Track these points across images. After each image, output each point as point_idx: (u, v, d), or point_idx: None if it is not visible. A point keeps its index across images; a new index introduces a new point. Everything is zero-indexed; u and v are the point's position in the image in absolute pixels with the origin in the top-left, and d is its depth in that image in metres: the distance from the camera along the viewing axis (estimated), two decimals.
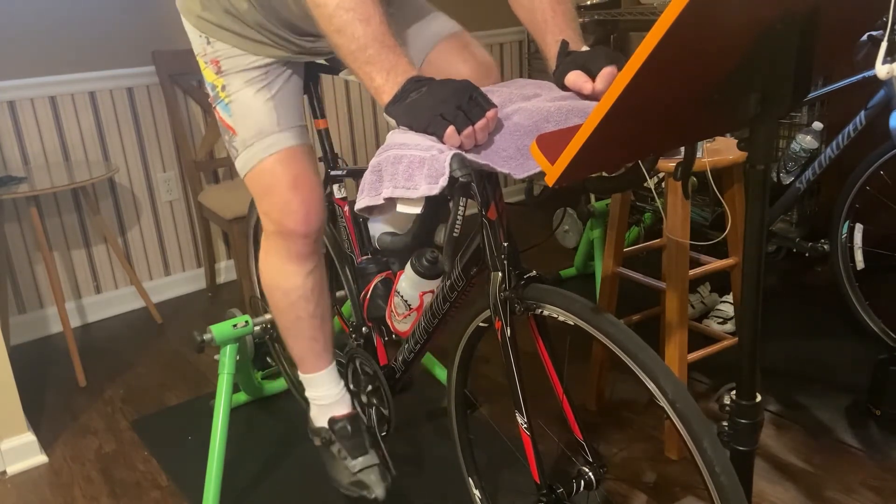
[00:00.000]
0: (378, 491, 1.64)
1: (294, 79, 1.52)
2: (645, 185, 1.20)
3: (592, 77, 1.15)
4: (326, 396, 1.70)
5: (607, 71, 1.14)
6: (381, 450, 1.71)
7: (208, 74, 1.48)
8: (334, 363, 1.71)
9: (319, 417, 1.72)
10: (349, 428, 1.68)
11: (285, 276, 1.56)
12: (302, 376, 1.70)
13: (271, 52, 1.45)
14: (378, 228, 1.57)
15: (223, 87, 1.47)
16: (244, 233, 2.22)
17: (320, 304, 1.61)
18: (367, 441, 1.70)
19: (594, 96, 1.15)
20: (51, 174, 2.57)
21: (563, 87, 1.20)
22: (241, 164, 1.50)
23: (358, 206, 1.08)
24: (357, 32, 1.12)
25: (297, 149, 1.49)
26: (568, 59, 1.19)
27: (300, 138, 1.50)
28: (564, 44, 1.22)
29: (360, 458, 1.67)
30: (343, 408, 1.71)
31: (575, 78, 1.16)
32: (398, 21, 1.51)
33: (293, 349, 1.67)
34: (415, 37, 1.50)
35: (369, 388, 1.69)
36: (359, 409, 1.75)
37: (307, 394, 1.72)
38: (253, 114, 1.46)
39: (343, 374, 1.74)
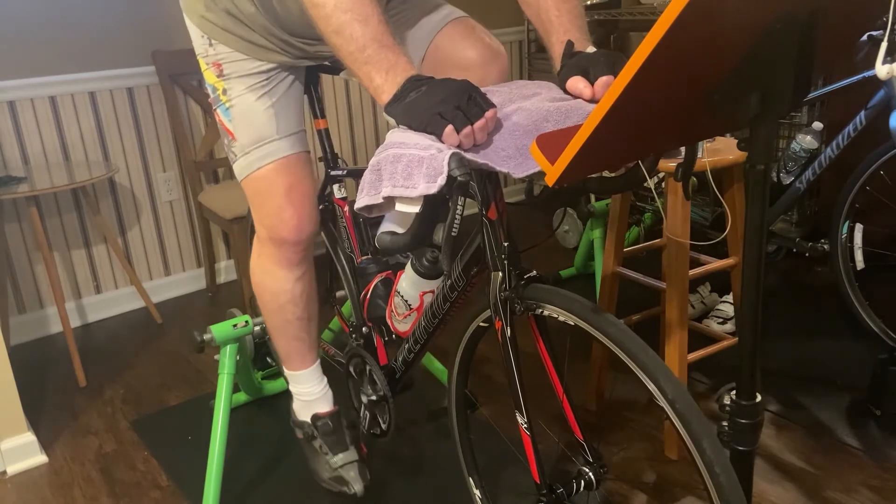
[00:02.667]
0: (357, 487, 1.71)
1: (296, 84, 1.53)
2: (645, 185, 1.20)
3: (593, 82, 1.16)
4: (310, 393, 1.76)
5: (604, 80, 1.14)
6: (362, 447, 1.78)
7: (209, 76, 1.48)
8: (318, 362, 1.76)
9: (302, 412, 1.78)
10: (331, 424, 1.74)
11: (275, 279, 1.61)
12: (287, 372, 1.76)
13: (274, 58, 1.45)
14: (387, 227, 1.59)
15: (224, 91, 1.47)
16: (244, 233, 2.22)
17: (308, 307, 1.66)
18: (349, 438, 1.76)
19: (593, 101, 1.15)
20: (51, 174, 2.57)
21: (566, 90, 1.20)
22: (238, 169, 1.52)
23: (357, 204, 1.08)
24: (355, 33, 1.12)
25: (294, 157, 1.51)
26: (571, 61, 1.19)
27: (299, 146, 1.52)
28: (570, 44, 1.22)
29: (341, 455, 1.74)
30: (325, 405, 1.76)
31: (575, 83, 1.17)
32: (405, 13, 1.51)
33: (279, 347, 1.73)
34: (421, 25, 1.51)
35: (369, 388, 1.69)
36: (355, 405, 1.76)
37: (291, 388, 1.78)
38: (253, 120, 1.46)
39: (343, 375, 1.75)
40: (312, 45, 1.45)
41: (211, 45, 1.45)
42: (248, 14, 1.40)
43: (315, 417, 1.75)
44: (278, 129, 1.48)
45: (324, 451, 1.75)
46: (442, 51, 1.50)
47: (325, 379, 1.77)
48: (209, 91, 1.50)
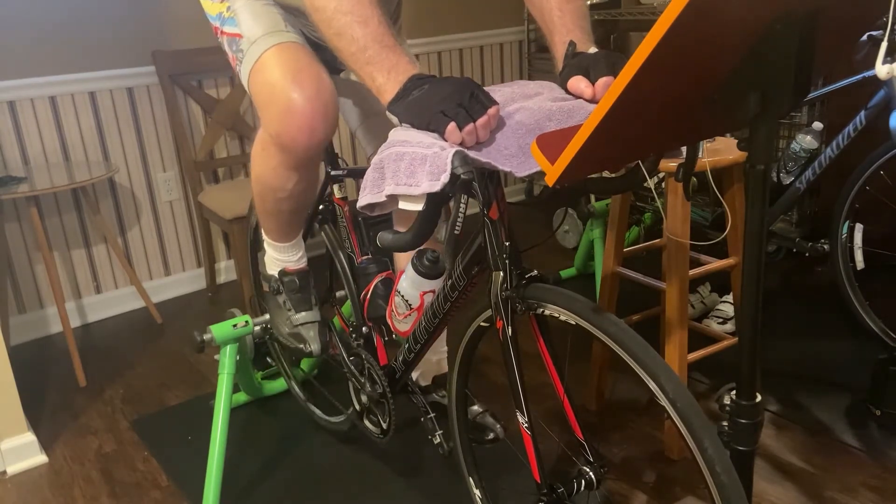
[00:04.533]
0: (314, 346, 1.71)
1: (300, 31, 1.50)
2: (645, 185, 1.20)
3: (594, 82, 1.16)
4: (284, 259, 1.74)
5: (604, 81, 1.14)
6: (318, 308, 1.77)
7: (213, 8, 1.48)
8: (300, 235, 1.74)
9: (272, 266, 1.77)
10: (297, 282, 1.73)
11: (277, 177, 1.51)
12: (266, 239, 1.74)
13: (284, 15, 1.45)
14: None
15: (228, 8, 1.46)
16: (244, 233, 2.22)
17: (303, 201, 1.61)
18: (313, 298, 1.75)
19: (594, 102, 1.16)
20: (51, 174, 2.57)
21: (567, 90, 1.20)
22: (245, 67, 1.42)
23: (360, 202, 1.08)
24: (356, 34, 1.12)
25: (302, 46, 1.42)
26: (573, 61, 1.20)
27: (305, 43, 1.45)
28: (572, 45, 1.22)
29: (303, 314, 1.73)
30: (297, 265, 1.75)
31: (576, 83, 1.17)
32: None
33: (264, 223, 1.70)
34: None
35: (369, 388, 1.69)
36: (355, 405, 1.76)
37: (267, 249, 1.76)
38: (259, 17, 1.43)
39: (345, 374, 1.75)
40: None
41: None
42: None
43: (283, 273, 1.74)
44: (286, 25, 1.44)
45: (287, 307, 1.74)
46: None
47: (303, 247, 1.76)
48: (213, 22, 1.49)
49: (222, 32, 1.48)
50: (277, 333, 1.78)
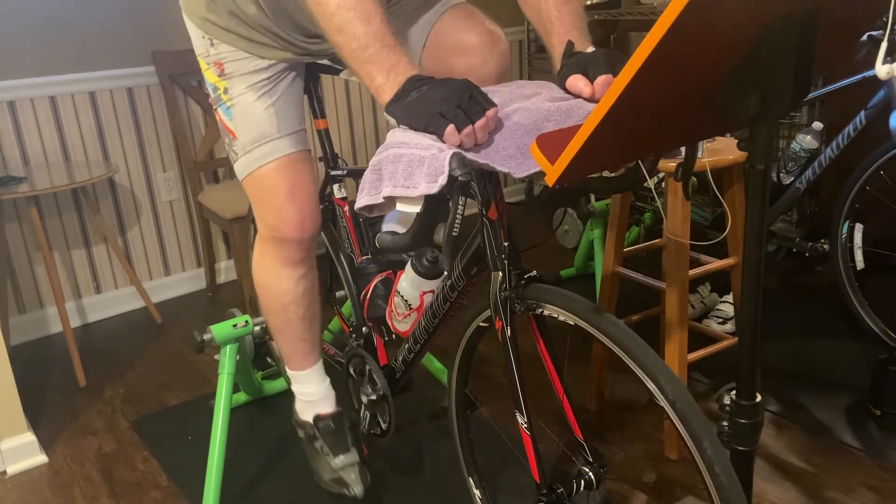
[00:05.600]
0: (357, 489, 1.70)
1: (296, 82, 1.53)
2: (645, 185, 1.20)
3: (592, 81, 1.16)
4: (312, 393, 1.75)
5: (603, 79, 1.14)
6: (363, 449, 1.77)
7: (210, 76, 1.48)
8: (321, 361, 1.75)
9: (305, 412, 1.77)
10: (332, 426, 1.73)
11: (278, 279, 1.60)
12: (289, 372, 1.75)
13: (276, 55, 1.45)
14: (388, 227, 1.59)
15: (225, 90, 1.47)
16: (244, 233, 2.22)
17: (310, 307, 1.65)
18: (350, 439, 1.75)
19: (593, 100, 1.15)
20: (51, 174, 2.57)
21: (566, 89, 1.20)
22: (239, 169, 1.52)
23: (358, 204, 1.08)
24: (358, 31, 1.12)
25: (295, 156, 1.50)
26: (571, 61, 1.19)
27: (300, 144, 1.51)
28: (570, 45, 1.22)
29: (342, 456, 1.72)
30: (328, 406, 1.76)
31: (575, 82, 1.17)
32: (405, 3, 1.51)
33: (282, 347, 1.72)
34: (421, 12, 1.51)
35: (369, 388, 1.69)
36: (355, 405, 1.76)
37: (293, 388, 1.78)
38: (254, 119, 1.46)
39: (343, 375, 1.75)
40: (316, 43, 1.45)
41: (213, 45, 1.45)
42: (251, 14, 1.40)
43: (317, 418, 1.74)
44: (279, 128, 1.48)
45: (325, 452, 1.74)
46: (442, 37, 1.50)
47: (328, 379, 1.76)
48: (210, 91, 1.50)
49: (217, 115, 1.51)
50: (318, 479, 1.76)
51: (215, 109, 1.51)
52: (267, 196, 1.51)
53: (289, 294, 1.61)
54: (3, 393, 1.97)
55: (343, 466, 1.72)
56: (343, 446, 1.74)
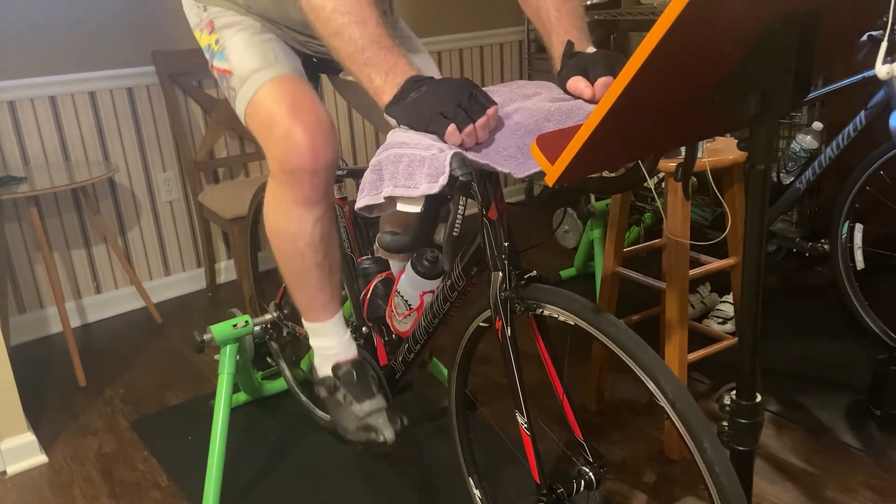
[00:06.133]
0: (387, 434, 1.56)
1: (292, 53, 1.48)
2: (645, 185, 1.20)
3: (593, 82, 1.16)
4: (332, 346, 1.59)
5: (603, 81, 1.14)
6: (389, 396, 1.63)
7: (203, 39, 1.46)
8: (341, 312, 1.59)
9: (324, 366, 1.61)
10: (354, 373, 1.58)
11: (292, 220, 1.43)
12: (306, 324, 1.60)
13: (272, 29, 1.44)
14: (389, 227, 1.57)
15: (217, 41, 1.43)
16: (244, 233, 2.22)
17: (329, 253, 1.49)
18: (374, 385, 1.61)
19: (593, 102, 1.16)
20: (51, 174, 2.57)
21: (566, 90, 1.20)
22: (239, 104, 1.42)
23: (358, 204, 1.08)
24: (354, 35, 1.12)
25: (294, 76, 1.41)
26: (571, 61, 1.19)
27: (297, 71, 1.44)
28: (570, 45, 1.22)
29: (367, 402, 1.57)
30: (347, 354, 1.60)
31: (575, 84, 1.17)
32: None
33: (298, 298, 1.57)
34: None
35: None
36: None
37: (311, 342, 1.62)
38: (248, 51, 1.41)
39: None
40: (313, 43, 1.45)
41: (205, 10, 1.44)
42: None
43: (336, 367, 1.58)
44: (276, 58, 1.42)
45: (348, 401, 1.57)
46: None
47: (348, 331, 1.61)
48: (206, 55, 1.46)
49: (213, 67, 1.46)
50: (344, 432, 1.60)
51: (211, 67, 1.45)
52: (270, 123, 1.37)
53: (304, 238, 1.44)
54: (3, 393, 1.97)
55: (370, 412, 1.57)
56: (367, 392, 1.58)
